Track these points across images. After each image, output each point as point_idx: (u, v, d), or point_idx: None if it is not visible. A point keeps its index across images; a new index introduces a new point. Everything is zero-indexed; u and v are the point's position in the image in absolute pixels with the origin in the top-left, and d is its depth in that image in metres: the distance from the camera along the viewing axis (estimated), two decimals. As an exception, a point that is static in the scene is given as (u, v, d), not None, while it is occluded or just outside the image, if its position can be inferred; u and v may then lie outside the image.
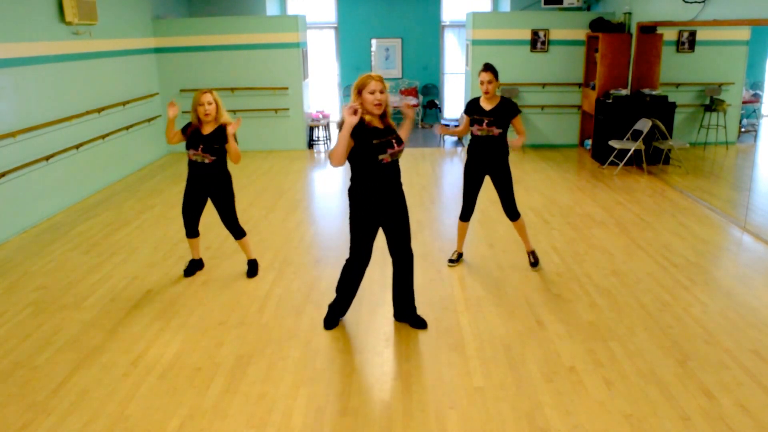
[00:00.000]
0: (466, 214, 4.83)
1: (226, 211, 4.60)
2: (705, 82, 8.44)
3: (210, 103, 4.30)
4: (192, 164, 4.47)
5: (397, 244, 3.75)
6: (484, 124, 4.50)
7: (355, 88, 3.43)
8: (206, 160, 4.41)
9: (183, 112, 9.59)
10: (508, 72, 9.46)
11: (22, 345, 3.81)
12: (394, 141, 3.52)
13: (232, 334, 3.90)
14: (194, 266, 4.88)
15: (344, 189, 3.50)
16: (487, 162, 4.62)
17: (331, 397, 3.21)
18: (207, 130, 4.40)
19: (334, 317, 3.95)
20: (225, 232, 5.67)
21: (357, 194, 3.59)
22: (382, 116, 3.51)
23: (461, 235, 4.96)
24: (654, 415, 3.00)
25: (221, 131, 4.39)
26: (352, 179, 3.61)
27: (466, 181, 4.74)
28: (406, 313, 3.95)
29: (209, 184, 4.52)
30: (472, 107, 4.57)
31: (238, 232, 4.70)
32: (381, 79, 3.43)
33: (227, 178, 4.56)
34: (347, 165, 3.57)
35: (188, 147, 4.42)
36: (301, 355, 3.63)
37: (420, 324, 3.92)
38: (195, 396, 3.23)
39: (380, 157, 3.46)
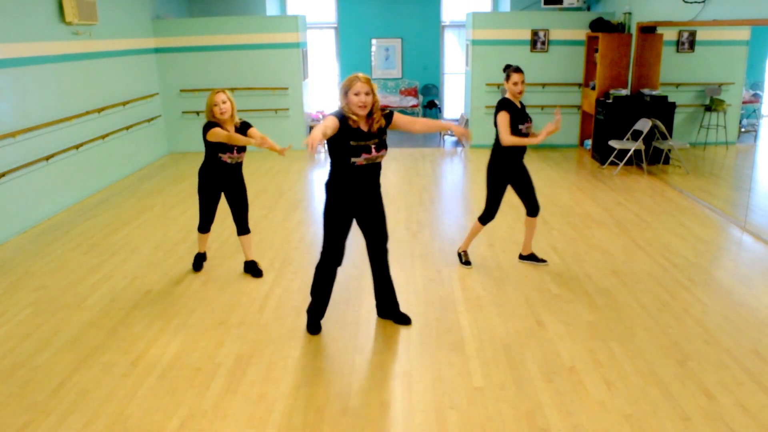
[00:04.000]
0: (489, 218, 4.78)
1: (244, 205, 4.70)
2: (705, 82, 8.44)
3: (224, 102, 4.33)
4: (221, 165, 4.47)
5: (371, 243, 3.78)
6: (528, 122, 4.55)
7: (342, 88, 3.42)
8: (240, 159, 4.54)
9: (183, 112, 9.65)
10: (508, 72, 9.45)
11: (22, 345, 3.81)
12: (373, 147, 3.46)
13: (232, 334, 3.90)
14: (201, 259, 4.96)
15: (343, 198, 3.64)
16: (521, 159, 4.65)
17: (331, 397, 3.21)
18: (230, 127, 4.45)
19: (315, 321, 3.91)
20: (225, 233, 5.68)
21: (331, 189, 3.60)
22: (369, 118, 3.47)
23: (475, 236, 4.96)
24: (654, 415, 3.00)
25: (243, 127, 4.52)
26: (329, 173, 3.61)
27: (500, 182, 4.65)
28: (388, 309, 3.97)
29: (233, 181, 4.60)
30: (513, 107, 4.49)
31: (247, 227, 4.76)
32: (367, 80, 3.38)
33: (242, 175, 4.70)
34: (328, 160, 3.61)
35: (224, 151, 4.42)
36: (301, 355, 3.63)
37: (403, 320, 3.95)
38: (195, 396, 3.23)
39: (353, 159, 3.43)
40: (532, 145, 4.64)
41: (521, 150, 4.61)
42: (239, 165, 4.60)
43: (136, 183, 7.93)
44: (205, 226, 4.79)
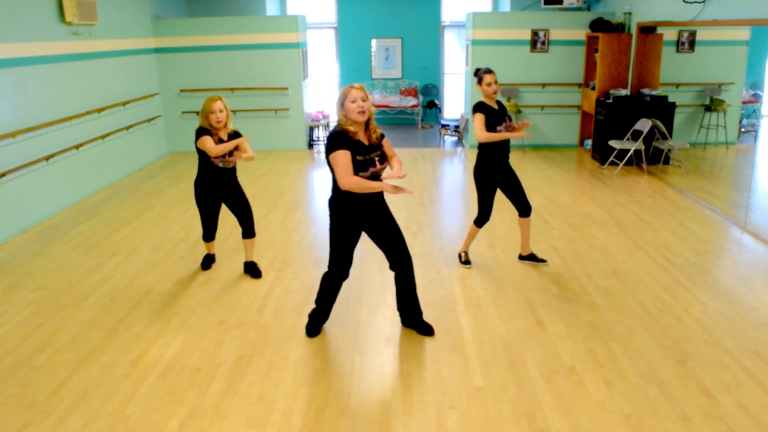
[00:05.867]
0: (484, 220, 4.78)
1: (247, 210, 4.69)
2: (705, 82, 8.44)
3: (221, 111, 4.35)
4: (214, 171, 4.48)
5: (391, 254, 3.69)
6: (507, 121, 4.55)
7: (339, 100, 3.42)
8: (231, 164, 4.53)
9: (183, 112, 9.66)
10: (508, 72, 9.46)
11: (22, 345, 3.81)
12: (377, 159, 3.46)
13: (232, 334, 3.90)
14: (210, 260, 5.00)
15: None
16: (506, 161, 4.67)
17: (331, 397, 3.21)
18: (224, 135, 4.47)
19: (316, 325, 3.90)
20: (225, 233, 5.68)
21: (337, 206, 3.55)
22: (367, 129, 3.46)
23: (473, 238, 4.96)
24: (654, 415, 3.00)
25: (236, 136, 4.52)
26: (332, 190, 3.56)
27: (489, 185, 4.66)
28: (412, 319, 3.90)
29: (229, 188, 4.60)
30: (488, 109, 4.53)
31: (253, 231, 4.74)
32: (362, 88, 3.41)
33: (237, 180, 4.69)
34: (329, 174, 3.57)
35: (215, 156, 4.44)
36: (301, 355, 3.63)
37: (426, 331, 3.85)
38: (195, 396, 3.23)
39: (360, 174, 3.40)
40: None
41: (505, 152, 4.63)
42: (233, 170, 4.59)
43: (136, 183, 7.93)
44: (208, 235, 4.80)
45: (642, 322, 3.96)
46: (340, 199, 3.52)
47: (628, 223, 5.95)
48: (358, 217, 3.56)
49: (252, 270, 4.81)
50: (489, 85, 4.50)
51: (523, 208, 4.76)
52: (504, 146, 4.61)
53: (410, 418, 3.03)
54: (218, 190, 4.58)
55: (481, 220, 4.77)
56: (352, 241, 3.63)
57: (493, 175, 4.65)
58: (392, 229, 3.66)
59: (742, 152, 8.67)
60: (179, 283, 4.71)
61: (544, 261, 4.94)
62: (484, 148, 4.62)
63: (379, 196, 3.60)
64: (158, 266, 5.04)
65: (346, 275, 3.73)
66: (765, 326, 3.87)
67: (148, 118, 9.08)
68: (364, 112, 3.38)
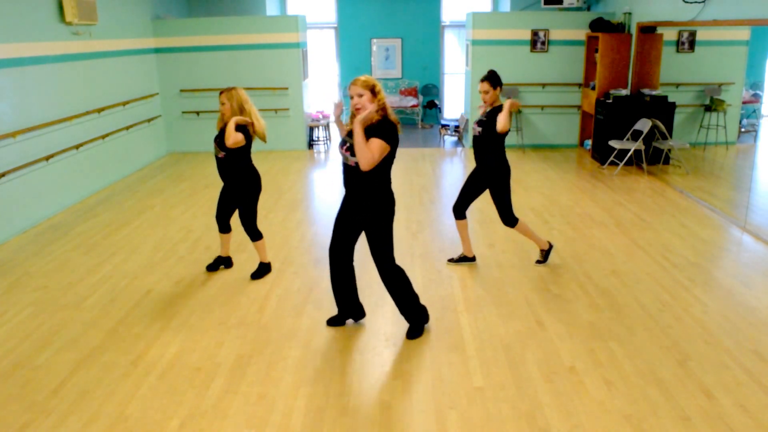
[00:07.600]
0: (455, 210, 4.82)
1: (240, 210, 4.64)
2: (705, 82, 8.44)
3: (223, 104, 4.46)
4: (216, 159, 4.65)
5: (372, 254, 3.68)
6: (476, 128, 4.65)
7: None
8: (219, 155, 4.57)
9: (183, 112, 9.66)
10: (508, 72, 9.44)
11: (22, 345, 3.81)
12: (345, 147, 3.55)
13: (232, 334, 3.90)
14: (218, 262, 4.94)
15: (343, 189, 3.55)
16: (479, 166, 4.70)
17: (331, 397, 3.21)
18: (221, 126, 4.60)
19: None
20: (225, 232, 5.67)
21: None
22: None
23: (460, 235, 4.96)
24: (654, 415, 3.00)
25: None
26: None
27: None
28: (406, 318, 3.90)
29: (224, 179, 4.64)
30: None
31: (253, 234, 4.69)
32: (356, 82, 3.38)
33: (241, 176, 4.54)
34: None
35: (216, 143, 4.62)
36: (301, 355, 3.63)
37: (414, 328, 3.84)
38: (195, 396, 3.23)
39: (339, 148, 3.59)
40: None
41: (476, 148, 4.69)
42: (224, 161, 4.53)
43: (136, 183, 7.93)
44: (218, 224, 4.77)
45: (642, 322, 3.96)
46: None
47: (628, 223, 5.95)
48: (343, 203, 3.70)
49: (258, 270, 4.79)
50: (480, 92, 4.57)
51: (503, 221, 4.78)
52: (475, 144, 4.71)
53: (410, 418, 3.03)
54: (221, 177, 4.65)
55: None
56: (336, 224, 3.75)
57: (474, 169, 4.75)
58: (369, 235, 3.66)
59: (742, 152, 8.66)
60: (179, 283, 4.71)
61: (540, 262, 4.91)
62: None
63: (353, 192, 3.61)
64: (158, 266, 5.04)
65: (331, 259, 3.83)
66: (765, 326, 3.87)
67: (148, 118, 9.08)
68: (359, 109, 3.38)
